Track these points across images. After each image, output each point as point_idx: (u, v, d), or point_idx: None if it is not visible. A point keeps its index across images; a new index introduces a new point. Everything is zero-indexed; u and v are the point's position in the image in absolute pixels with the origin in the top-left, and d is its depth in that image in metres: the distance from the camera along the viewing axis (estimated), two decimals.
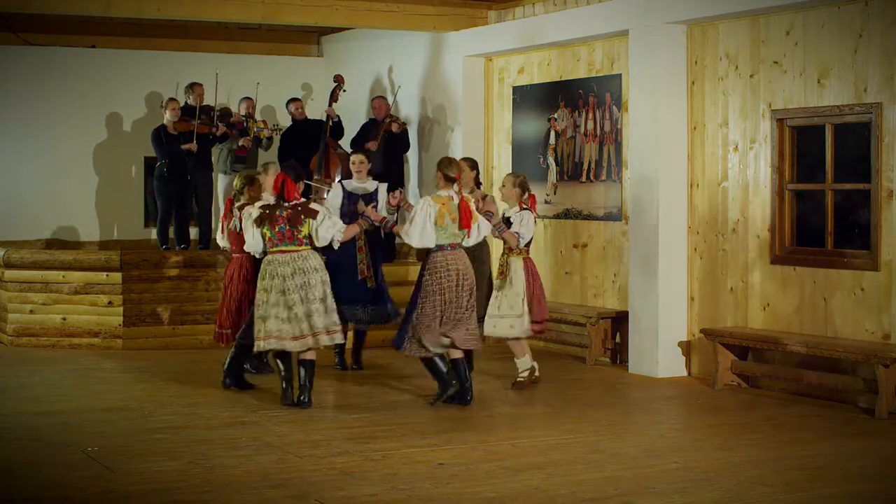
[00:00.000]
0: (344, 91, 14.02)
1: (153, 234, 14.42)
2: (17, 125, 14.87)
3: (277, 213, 9.20)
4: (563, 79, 12.42)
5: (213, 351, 10.52)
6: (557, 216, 12.51)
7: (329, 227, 9.22)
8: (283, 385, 9.33)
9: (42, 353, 12.05)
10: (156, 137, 13.34)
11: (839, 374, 9.47)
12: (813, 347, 9.41)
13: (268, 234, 9.21)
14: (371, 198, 10.64)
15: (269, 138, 14.19)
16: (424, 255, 9.47)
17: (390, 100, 14.20)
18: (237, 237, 9.84)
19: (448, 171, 9.38)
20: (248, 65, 15.51)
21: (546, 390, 10.16)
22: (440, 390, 9.35)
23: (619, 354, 11.59)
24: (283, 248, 9.20)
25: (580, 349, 11.87)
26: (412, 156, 14.44)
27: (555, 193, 12.53)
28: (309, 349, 9.20)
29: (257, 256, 9.47)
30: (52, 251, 13.10)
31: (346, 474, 7.13)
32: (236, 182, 9.99)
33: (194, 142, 13.25)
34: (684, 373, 10.87)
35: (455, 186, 9.39)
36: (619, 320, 11.52)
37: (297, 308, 9.12)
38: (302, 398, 9.20)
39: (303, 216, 9.18)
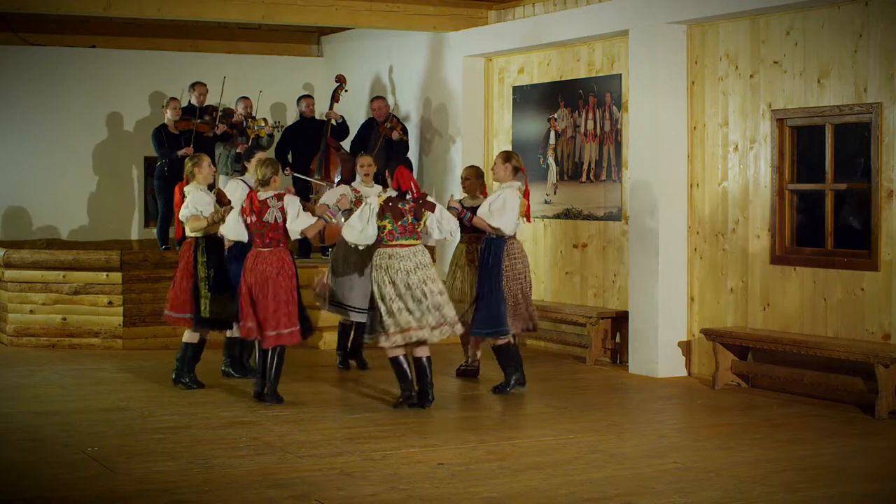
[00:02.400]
0: (346, 91, 14.02)
1: (153, 233, 14.42)
2: (17, 125, 14.86)
3: (400, 205, 9.17)
4: (563, 79, 12.42)
5: (212, 351, 10.51)
6: (557, 216, 12.51)
7: (449, 219, 9.33)
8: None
9: (42, 353, 12.06)
10: (157, 137, 13.34)
11: (839, 374, 9.47)
12: (813, 347, 9.41)
13: (388, 226, 9.12)
14: None
15: (270, 136, 14.19)
16: (489, 242, 9.76)
17: (391, 102, 14.20)
18: (277, 228, 9.36)
19: (517, 163, 9.93)
20: (248, 65, 15.50)
21: (546, 390, 10.16)
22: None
23: (619, 354, 11.59)
24: (404, 242, 9.16)
25: (580, 349, 11.87)
26: (412, 156, 14.43)
27: (555, 193, 12.53)
28: (424, 344, 9.19)
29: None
30: (52, 251, 13.09)
31: (346, 474, 7.13)
32: (260, 172, 9.48)
33: (191, 145, 13.22)
34: (684, 373, 10.88)
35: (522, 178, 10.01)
36: (619, 320, 11.52)
37: (425, 301, 9.10)
38: (429, 397, 9.20)
39: (423, 209, 9.22)
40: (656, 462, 7.52)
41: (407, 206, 9.16)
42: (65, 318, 12.44)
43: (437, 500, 6.60)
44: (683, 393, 10.10)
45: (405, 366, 9.22)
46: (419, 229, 9.18)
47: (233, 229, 9.47)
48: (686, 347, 10.90)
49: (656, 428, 8.76)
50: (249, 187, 10.01)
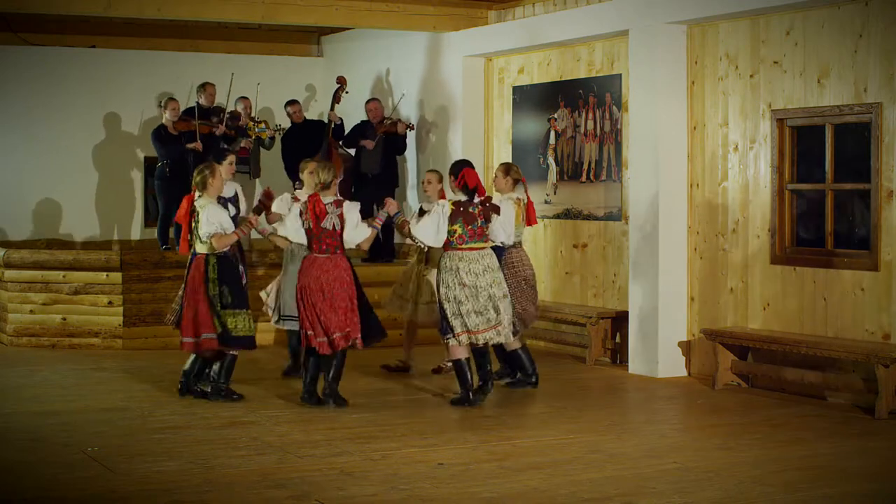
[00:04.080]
0: (346, 92, 14.02)
1: (153, 233, 14.42)
2: (17, 125, 14.86)
3: (471, 209, 9.20)
4: (563, 79, 12.42)
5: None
6: (557, 216, 12.51)
7: (506, 223, 9.45)
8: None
9: (42, 353, 12.06)
10: (157, 137, 13.33)
11: (839, 374, 9.47)
12: (813, 347, 9.41)
13: (459, 230, 9.15)
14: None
15: (272, 138, 14.19)
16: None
17: (390, 106, 14.17)
18: (335, 234, 9.21)
19: (517, 174, 10.11)
20: (248, 65, 15.51)
21: (546, 390, 10.16)
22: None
23: (619, 354, 11.59)
24: (473, 246, 9.22)
25: (580, 349, 11.87)
26: (410, 156, 14.44)
27: (555, 193, 12.53)
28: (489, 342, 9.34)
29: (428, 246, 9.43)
30: (52, 251, 13.10)
31: (346, 474, 7.13)
32: (322, 175, 9.26)
33: (198, 141, 13.22)
34: (684, 373, 10.88)
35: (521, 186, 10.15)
36: (619, 320, 11.52)
37: (491, 303, 9.21)
38: (488, 388, 9.41)
39: (491, 212, 9.31)
40: (656, 462, 7.52)
41: (477, 210, 9.25)
42: (65, 318, 12.44)
43: (437, 500, 6.60)
44: (683, 393, 10.10)
45: (466, 369, 9.28)
46: (487, 233, 9.30)
47: (296, 232, 9.21)
48: (686, 347, 10.90)
49: (656, 428, 8.76)
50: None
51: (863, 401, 9.27)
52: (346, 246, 9.24)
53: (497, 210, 9.33)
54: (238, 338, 9.23)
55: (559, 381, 10.67)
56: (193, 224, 9.28)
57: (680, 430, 8.76)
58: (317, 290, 9.05)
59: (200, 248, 9.27)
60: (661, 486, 6.93)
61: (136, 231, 15.38)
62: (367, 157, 13.60)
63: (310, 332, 9.07)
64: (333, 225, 9.11)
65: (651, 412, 9.47)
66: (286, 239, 9.41)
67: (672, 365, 10.84)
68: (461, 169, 9.31)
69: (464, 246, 9.18)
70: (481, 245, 9.26)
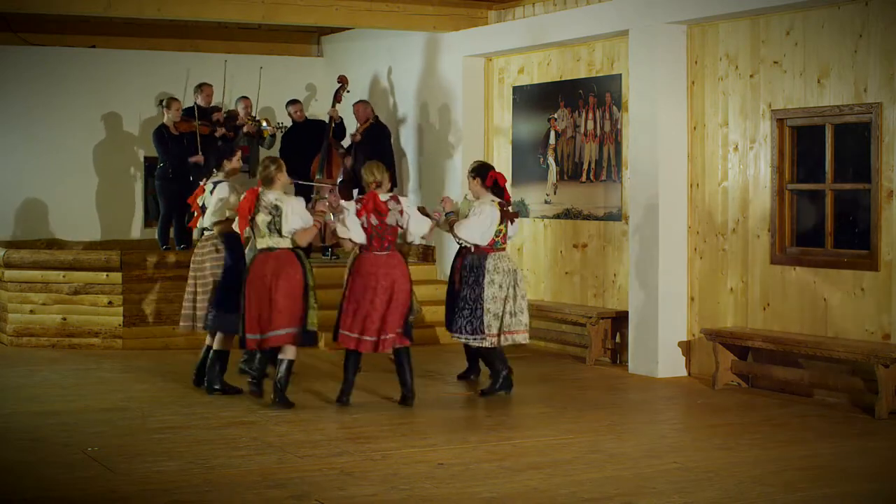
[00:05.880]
0: (347, 92, 14.04)
1: (153, 233, 14.42)
2: (17, 125, 14.86)
3: (506, 209, 9.61)
4: (563, 79, 12.42)
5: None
6: (557, 216, 12.51)
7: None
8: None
9: (42, 353, 12.06)
10: (158, 137, 13.33)
11: (839, 374, 9.47)
12: (813, 347, 9.41)
13: (503, 230, 9.58)
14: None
15: (273, 136, 14.20)
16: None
17: (390, 101, 14.19)
18: (396, 231, 9.23)
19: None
20: (248, 65, 15.50)
21: (546, 390, 10.17)
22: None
23: (619, 354, 11.59)
24: (505, 246, 9.69)
25: (580, 349, 11.87)
26: (411, 157, 14.44)
27: (555, 193, 12.53)
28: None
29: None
30: (52, 251, 13.10)
31: (346, 474, 7.13)
32: (378, 174, 9.25)
33: (200, 153, 13.20)
34: (684, 373, 10.88)
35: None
36: (619, 320, 11.52)
37: (520, 302, 9.58)
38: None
39: (516, 215, 9.74)
40: (656, 462, 7.52)
41: (507, 211, 9.66)
42: (65, 318, 12.44)
43: (437, 500, 6.60)
44: (683, 393, 10.10)
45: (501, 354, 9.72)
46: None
47: (358, 232, 9.11)
48: (686, 347, 10.90)
49: (656, 428, 8.76)
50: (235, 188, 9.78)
51: (863, 401, 9.27)
52: (411, 239, 9.39)
53: (518, 213, 9.83)
54: (310, 332, 9.13)
55: (559, 381, 10.67)
56: (269, 219, 9.02)
57: (680, 430, 8.76)
58: (386, 288, 9.06)
59: (279, 243, 9.04)
60: (661, 486, 6.93)
61: (136, 231, 15.37)
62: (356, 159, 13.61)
63: (354, 335, 9.10)
64: (396, 221, 9.16)
65: (651, 412, 9.47)
66: (351, 241, 9.22)
67: (672, 365, 10.84)
68: (489, 170, 9.65)
69: (501, 246, 9.63)
70: (507, 246, 9.79)
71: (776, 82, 10.10)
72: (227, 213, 9.55)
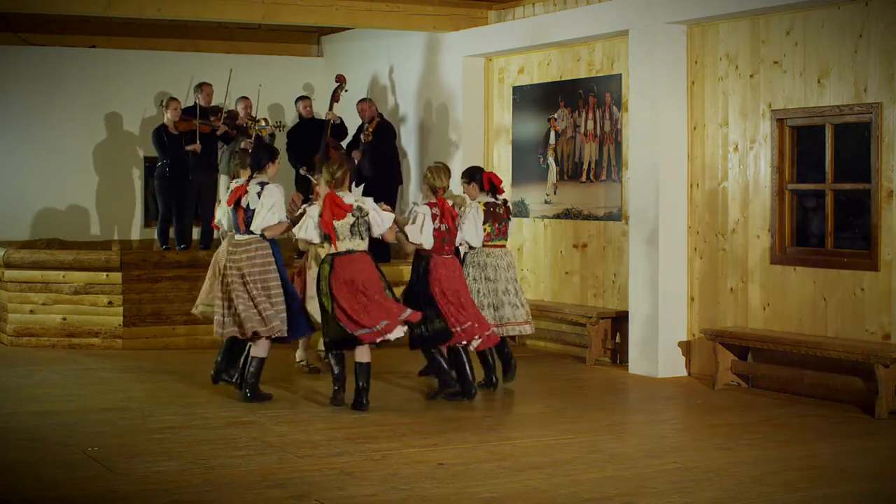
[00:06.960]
0: (346, 91, 14.02)
1: (153, 233, 14.42)
2: (17, 125, 14.86)
3: (497, 210, 9.73)
4: (563, 79, 12.42)
5: (213, 351, 10.50)
6: (557, 216, 12.51)
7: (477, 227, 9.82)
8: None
9: (42, 353, 12.06)
10: (157, 137, 13.32)
11: (839, 374, 9.47)
12: (813, 347, 9.41)
13: (488, 229, 9.66)
14: None
15: (272, 135, 14.20)
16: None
17: (391, 101, 14.19)
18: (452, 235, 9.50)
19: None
20: (248, 65, 15.51)
21: (546, 390, 10.17)
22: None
23: (619, 354, 11.60)
24: (497, 244, 9.83)
25: (580, 349, 11.87)
26: (411, 156, 14.45)
27: (555, 193, 12.54)
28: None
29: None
30: (52, 251, 13.09)
31: (346, 474, 7.13)
32: (446, 179, 9.43)
33: (198, 142, 13.24)
34: (684, 373, 10.88)
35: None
36: (619, 320, 11.52)
37: (516, 297, 9.77)
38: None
39: (511, 213, 9.95)
40: (656, 462, 7.52)
41: (501, 210, 9.77)
42: (65, 318, 12.44)
43: (437, 500, 6.60)
44: (683, 393, 10.11)
45: (490, 357, 9.84)
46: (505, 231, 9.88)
47: (430, 238, 9.24)
48: (686, 347, 10.90)
49: (656, 428, 8.76)
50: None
51: (863, 401, 9.27)
52: (475, 244, 9.71)
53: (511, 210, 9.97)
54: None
55: (559, 381, 10.67)
56: (351, 222, 8.90)
57: (680, 430, 8.76)
58: (458, 290, 9.37)
59: (361, 246, 9.00)
60: (661, 486, 6.93)
61: (136, 231, 15.37)
62: (361, 159, 13.60)
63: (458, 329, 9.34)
64: (458, 225, 9.57)
65: (651, 412, 9.47)
66: (422, 246, 9.33)
67: (672, 365, 10.85)
68: (482, 172, 9.90)
69: (490, 244, 9.75)
70: (503, 243, 9.92)
71: (776, 82, 10.10)
72: (281, 218, 9.26)
